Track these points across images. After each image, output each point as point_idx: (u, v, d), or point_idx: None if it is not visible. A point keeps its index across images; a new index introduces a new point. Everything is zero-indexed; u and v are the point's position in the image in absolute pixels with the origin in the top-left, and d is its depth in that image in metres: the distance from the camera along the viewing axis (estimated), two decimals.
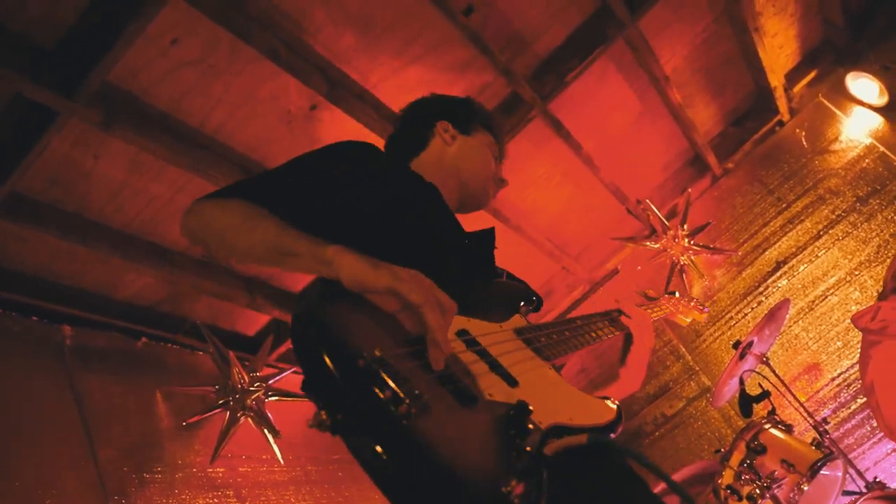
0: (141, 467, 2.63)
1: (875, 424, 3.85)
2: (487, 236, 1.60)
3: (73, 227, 2.72)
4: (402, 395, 0.85)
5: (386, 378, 0.86)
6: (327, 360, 0.88)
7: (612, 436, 1.12)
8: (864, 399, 3.91)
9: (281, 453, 3.08)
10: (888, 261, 4.06)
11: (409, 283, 0.98)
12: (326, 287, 1.03)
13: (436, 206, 1.51)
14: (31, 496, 2.25)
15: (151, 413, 2.88)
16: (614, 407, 1.19)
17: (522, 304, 1.39)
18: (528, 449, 0.91)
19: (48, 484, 2.31)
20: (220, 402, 2.97)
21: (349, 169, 1.36)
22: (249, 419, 3.01)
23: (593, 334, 1.43)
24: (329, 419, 0.85)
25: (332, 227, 1.30)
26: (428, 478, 0.83)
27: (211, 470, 2.89)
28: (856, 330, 4.02)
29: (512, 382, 1.06)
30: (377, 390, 0.85)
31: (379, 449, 0.83)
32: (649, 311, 1.83)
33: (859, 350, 2.99)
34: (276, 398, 3.11)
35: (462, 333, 1.10)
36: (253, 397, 3.01)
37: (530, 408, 0.96)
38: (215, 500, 2.79)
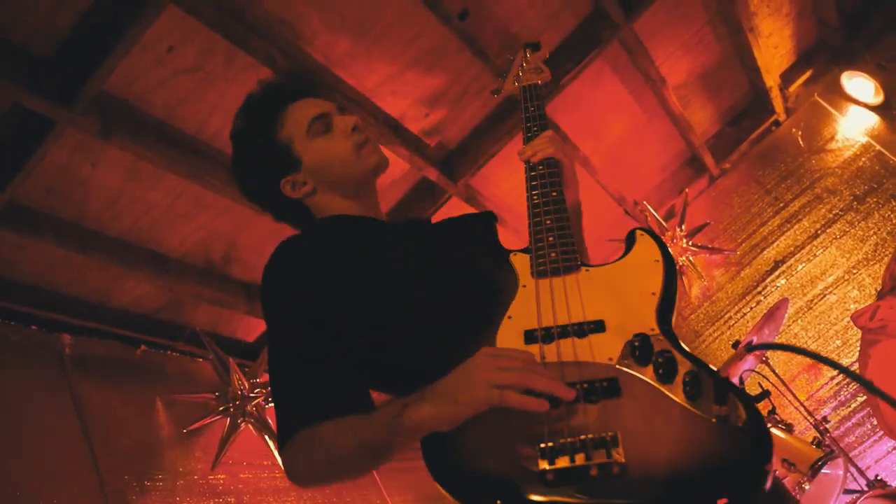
0: (142, 475, 2.63)
1: (875, 422, 3.86)
2: (416, 222, 1.58)
3: (71, 236, 2.72)
4: (599, 458, 0.83)
5: (576, 462, 0.83)
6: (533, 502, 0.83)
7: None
8: (865, 397, 3.92)
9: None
10: (886, 259, 4.07)
11: (495, 385, 0.92)
12: (436, 441, 0.95)
13: (377, 239, 1.37)
14: None
15: (152, 421, 2.87)
16: (644, 235, 1.20)
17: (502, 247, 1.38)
18: (684, 370, 0.90)
19: (49, 492, 2.30)
20: (221, 408, 2.97)
21: (308, 305, 1.22)
22: (250, 425, 3.01)
23: (554, 193, 1.37)
24: None
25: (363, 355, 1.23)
26: (682, 481, 0.81)
27: (212, 477, 2.89)
28: (855, 328, 4.03)
29: (601, 327, 1.04)
30: (586, 477, 0.82)
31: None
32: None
33: (859, 349, 2.99)
34: None
35: (529, 336, 1.06)
36: (253, 403, 3.01)
37: (641, 333, 0.98)
38: None
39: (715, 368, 0.90)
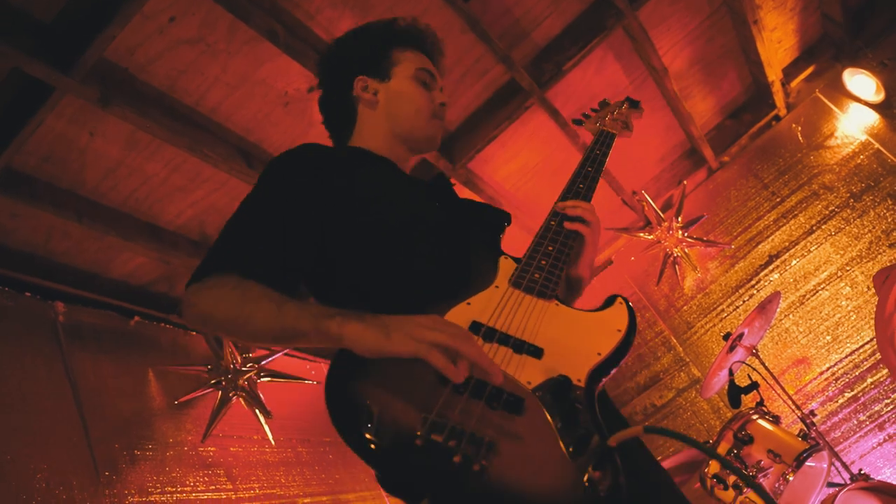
0: (132, 444, 2.64)
1: (861, 418, 3.89)
2: (442, 183, 1.56)
3: (68, 204, 2.72)
4: (468, 451, 0.86)
5: (447, 443, 0.87)
6: (390, 457, 0.87)
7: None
8: (852, 393, 3.95)
9: (272, 434, 3.10)
10: (880, 257, 4.09)
11: (430, 340, 0.96)
12: (348, 364, 0.98)
13: (392, 182, 1.43)
14: (22, 471, 2.26)
15: (143, 391, 2.89)
16: (622, 304, 1.21)
17: (493, 247, 1.40)
18: (584, 428, 0.93)
19: (39, 458, 2.32)
20: (213, 381, 2.99)
21: (302, 191, 1.31)
22: (241, 399, 3.03)
23: (571, 240, 1.36)
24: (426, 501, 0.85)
25: (320, 260, 1.31)
26: None
27: (202, 449, 2.91)
28: (845, 325, 4.07)
29: (538, 353, 1.08)
30: (448, 460, 0.86)
31: None
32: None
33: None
34: (269, 379, 3.13)
35: (475, 327, 1.10)
36: (245, 377, 3.02)
37: (565, 375, 1.01)
38: (206, 479, 2.81)
39: (610, 438, 0.92)
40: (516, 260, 1.31)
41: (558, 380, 1.00)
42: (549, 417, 0.96)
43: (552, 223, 1.39)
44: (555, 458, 0.91)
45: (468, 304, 1.16)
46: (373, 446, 0.87)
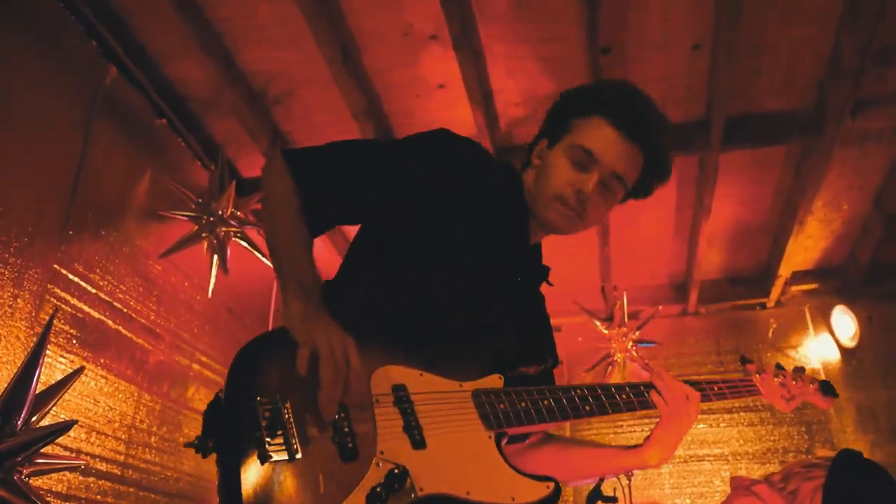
0: (102, 223, 2.72)
1: None
2: (535, 262, 1.50)
3: None
4: (270, 441, 0.94)
5: (262, 423, 0.95)
6: (231, 396, 0.99)
7: None
8: None
9: (213, 287, 3.19)
10: (768, 465, 4.42)
11: (323, 349, 0.99)
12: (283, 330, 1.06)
13: (503, 229, 1.38)
14: (5, 179, 2.30)
15: (135, 187, 2.96)
16: (548, 489, 1.10)
17: (511, 363, 1.26)
18: None
19: (25, 182, 2.37)
20: (195, 214, 3.07)
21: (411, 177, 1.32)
22: (207, 243, 3.11)
23: (587, 408, 1.26)
24: (209, 442, 0.98)
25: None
26: None
27: (151, 263, 2.99)
28: (706, 500, 4.37)
29: (418, 445, 1.04)
30: (249, 433, 0.94)
31: (230, 470, 0.93)
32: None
33: None
34: (245, 244, 3.21)
35: (398, 389, 1.10)
36: (225, 228, 3.11)
37: (406, 470, 0.98)
38: (140, 289, 2.90)
39: None
40: (513, 382, 1.22)
41: (395, 468, 0.98)
42: (361, 482, 0.97)
43: (595, 392, 1.30)
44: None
45: (421, 374, 1.14)
46: (232, 380, 1.00)
